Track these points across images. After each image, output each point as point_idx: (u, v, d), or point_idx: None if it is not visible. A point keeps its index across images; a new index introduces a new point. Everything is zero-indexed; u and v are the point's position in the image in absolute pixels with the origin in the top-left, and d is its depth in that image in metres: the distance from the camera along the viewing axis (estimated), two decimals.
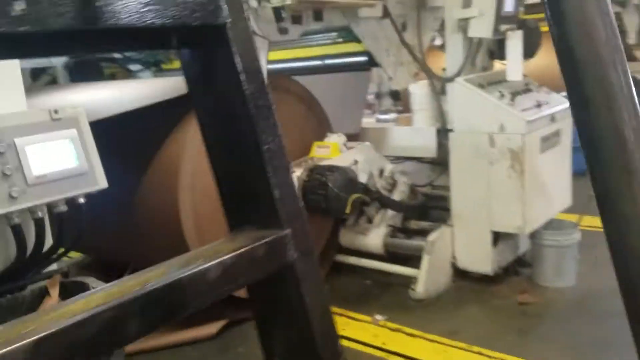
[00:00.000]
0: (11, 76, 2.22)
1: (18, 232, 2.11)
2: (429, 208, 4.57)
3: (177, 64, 6.50)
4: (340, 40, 4.73)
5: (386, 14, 4.35)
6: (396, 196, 4.38)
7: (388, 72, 4.59)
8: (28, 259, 2.20)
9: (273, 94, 3.71)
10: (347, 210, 3.52)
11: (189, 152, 3.35)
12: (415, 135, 4.59)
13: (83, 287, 2.20)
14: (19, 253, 2.15)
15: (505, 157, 3.87)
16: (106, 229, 4.10)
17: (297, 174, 3.62)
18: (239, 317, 3.75)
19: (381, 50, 4.50)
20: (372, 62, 4.57)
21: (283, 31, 3.67)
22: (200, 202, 3.46)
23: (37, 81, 7.12)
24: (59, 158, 2.12)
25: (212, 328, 3.66)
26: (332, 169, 3.55)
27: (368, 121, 6.23)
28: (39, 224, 2.17)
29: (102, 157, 2.25)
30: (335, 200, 3.46)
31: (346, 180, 3.52)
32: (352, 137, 4.52)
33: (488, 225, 4.03)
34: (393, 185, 4.38)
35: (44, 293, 2.19)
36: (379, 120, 7.16)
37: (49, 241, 2.25)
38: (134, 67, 5.91)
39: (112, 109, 3.50)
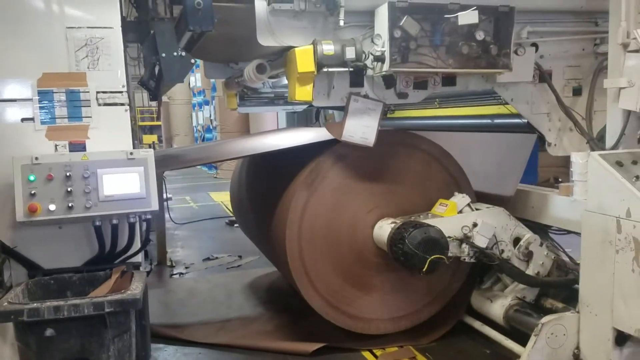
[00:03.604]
0: (122, 123, 3.26)
1: (98, 232, 3.14)
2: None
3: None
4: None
5: (543, 78, 4.17)
6: (531, 269, 4.14)
7: (548, 138, 4.34)
8: (107, 252, 3.21)
9: (398, 149, 4.41)
10: (424, 269, 3.60)
11: (295, 202, 3.98)
12: (570, 207, 4.22)
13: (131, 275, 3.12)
14: (99, 246, 3.18)
15: (629, 247, 3.36)
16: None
17: (393, 224, 3.87)
18: (338, 344, 4.17)
19: (539, 115, 4.30)
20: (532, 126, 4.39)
21: (402, 96, 3.96)
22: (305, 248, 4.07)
23: (316, 121, 8.61)
24: (126, 185, 3.07)
25: (309, 346, 4.11)
26: (417, 225, 3.68)
27: None
28: (114, 229, 3.16)
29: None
30: (411, 256, 3.60)
31: (427, 239, 3.62)
32: (504, 200, 4.42)
33: (610, 320, 3.53)
34: (529, 256, 4.15)
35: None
36: None
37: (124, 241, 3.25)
38: None
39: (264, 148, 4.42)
